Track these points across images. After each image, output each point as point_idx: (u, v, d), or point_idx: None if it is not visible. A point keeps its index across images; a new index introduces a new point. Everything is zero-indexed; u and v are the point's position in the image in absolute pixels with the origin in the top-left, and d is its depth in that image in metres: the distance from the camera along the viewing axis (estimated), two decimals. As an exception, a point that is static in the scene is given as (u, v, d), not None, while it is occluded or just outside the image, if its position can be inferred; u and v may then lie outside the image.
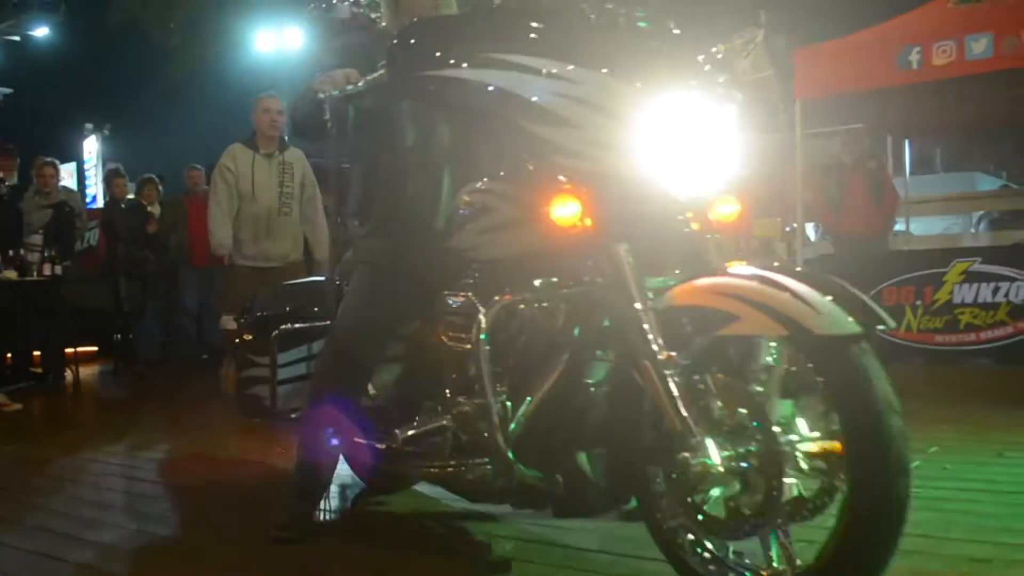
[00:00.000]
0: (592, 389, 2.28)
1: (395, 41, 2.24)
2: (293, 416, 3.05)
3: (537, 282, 2.19)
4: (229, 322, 4.46)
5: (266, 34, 21.02)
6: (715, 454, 1.92)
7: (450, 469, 2.30)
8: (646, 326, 2.01)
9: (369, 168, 2.62)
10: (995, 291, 6.83)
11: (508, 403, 2.20)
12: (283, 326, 3.00)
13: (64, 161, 18.42)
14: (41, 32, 16.93)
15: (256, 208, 5.37)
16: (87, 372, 8.13)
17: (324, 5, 2.51)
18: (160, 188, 9.40)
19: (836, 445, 1.85)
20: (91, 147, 18.52)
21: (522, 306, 2.25)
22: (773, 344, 1.98)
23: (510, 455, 2.15)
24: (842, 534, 1.77)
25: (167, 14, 15.57)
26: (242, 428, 4.79)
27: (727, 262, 2.10)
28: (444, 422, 2.31)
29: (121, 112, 18.44)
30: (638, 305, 2.03)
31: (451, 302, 2.44)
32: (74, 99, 18.48)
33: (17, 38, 16.96)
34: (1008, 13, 6.93)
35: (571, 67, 2.07)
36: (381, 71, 2.30)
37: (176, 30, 15.78)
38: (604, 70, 2.06)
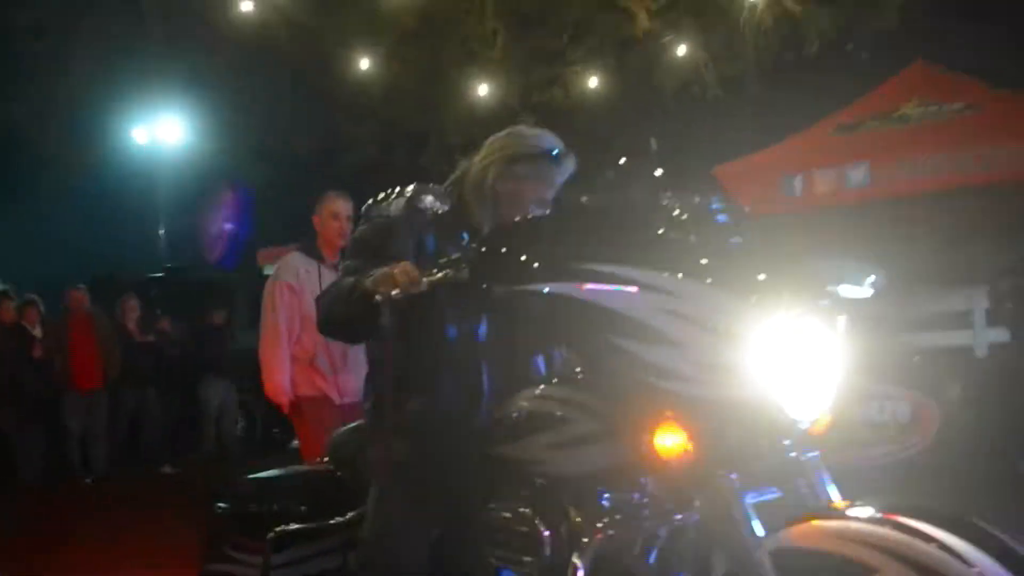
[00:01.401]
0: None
1: (480, 250, 1.99)
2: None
3: (621, 512, 1.98)
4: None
5: (141, 130, 20.48)
6: None
7: None
8: (765, 569, 1.80)
9: (407, 361, 2.33)
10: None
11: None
12: (280, 527, 2.66)
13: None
14: None
15: None
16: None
17: (378, 206, 2.26)
18: (41, 309, 8.90)
19: None
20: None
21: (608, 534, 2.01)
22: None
23: None
24: None
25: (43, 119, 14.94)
26: None
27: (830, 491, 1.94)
28: None
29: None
30: (754, 546, 1.82)
31: (504, 518, 2.18)
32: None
33: None
34: (883, 143, 7.30)
35: (671, 278, 1.88)
36: (448, 271, 2.05)
37: (52, 135, 15.11)
38: (708, 281, 1.88)
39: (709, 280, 1.88)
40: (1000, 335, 7.72)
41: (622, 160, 2.08)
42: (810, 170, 7.29)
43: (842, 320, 1.96)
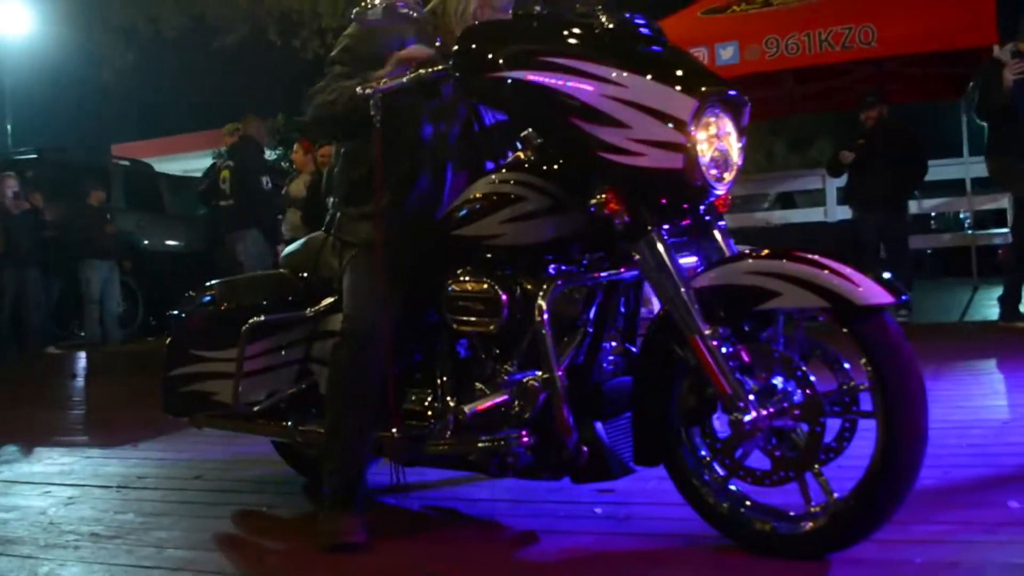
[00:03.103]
0: (607, 364, 2.54)
1: (459, 45, 2.36)
2: (256, 410, 3.02)
3: (577, 268, 2.40)
4: None
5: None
6: (762, 412, 2.20)
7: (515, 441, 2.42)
8: (692, 304, 2.25)
9: (386, 156, 2.61)
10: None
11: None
12: (253, 319, 2.96)
13: None
14: None
15: None
16: None
17: (363, 11, 2.51)
18: None
19: (858, 387, 2.17)
20: None
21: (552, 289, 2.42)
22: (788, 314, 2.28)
23: (571, 424, 2.34)
24: (881, 462, 2.10)
25: None
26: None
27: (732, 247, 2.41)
28: (506, 397, 2.43)
29: None
30: (682, 286, 2.27)
31: (464, 289, 2.57)
32: None
33: None
34: (750, 24, 7.92)
35: (617, 71, 2.27)
36: (425, 68, 2.39)
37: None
38: (647, 75, 2.28)
39: (648, 74, 2.28)
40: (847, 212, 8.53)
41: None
42: (682, 47, 7.79)
43: (746, 110, 2.39)
